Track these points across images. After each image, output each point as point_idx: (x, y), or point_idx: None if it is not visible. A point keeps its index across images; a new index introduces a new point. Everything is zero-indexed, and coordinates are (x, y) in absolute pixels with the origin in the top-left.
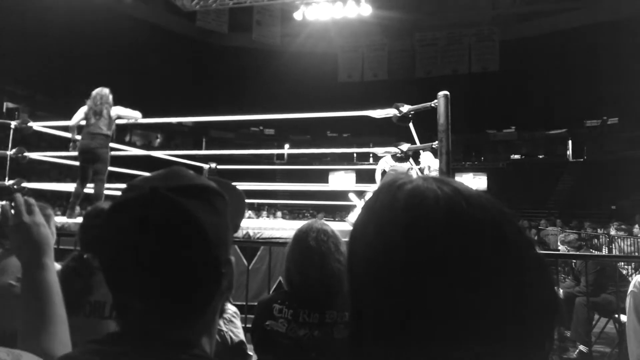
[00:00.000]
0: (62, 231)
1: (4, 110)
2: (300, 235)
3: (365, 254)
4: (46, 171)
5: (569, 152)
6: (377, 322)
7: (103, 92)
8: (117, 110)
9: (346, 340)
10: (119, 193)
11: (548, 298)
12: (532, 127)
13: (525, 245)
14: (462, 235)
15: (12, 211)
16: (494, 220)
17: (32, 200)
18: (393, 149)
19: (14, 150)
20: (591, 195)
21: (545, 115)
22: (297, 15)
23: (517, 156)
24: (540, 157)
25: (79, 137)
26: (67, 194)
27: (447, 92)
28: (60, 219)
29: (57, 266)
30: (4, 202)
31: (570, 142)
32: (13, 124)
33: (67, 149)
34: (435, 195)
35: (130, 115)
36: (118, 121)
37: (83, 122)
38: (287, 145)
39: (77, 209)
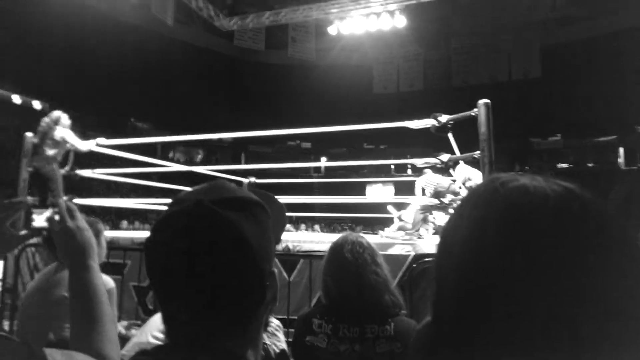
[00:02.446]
0: (111, 245)
1: None
2: (336, 248)
3: (454, 251)
4: (95, 188)
5: (621, 159)
6: (458, 325)
7: (52, 115)
8: (63, 133)
9: (423, 344)
10: (164, 207)
11: None
12: (579, 134)
13: None
14: (573, 240)
15: (57, 217)
16: (611, 231)
17: (73, 206)
18: (432, 160)
19: (66, 168)
20: None
21: (593, 122)
22: (332, 30)
23: (564, 165)
24: (589, 165)
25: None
26: (116, 210)
27: (487, 100)
28: (109, 233)
29: (108, 279)
30: (50, 211)
31: (621, 149)
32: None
33: (114, 166)
34: (544, 194)
35: (73, 142)
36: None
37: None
38: (324, 158)
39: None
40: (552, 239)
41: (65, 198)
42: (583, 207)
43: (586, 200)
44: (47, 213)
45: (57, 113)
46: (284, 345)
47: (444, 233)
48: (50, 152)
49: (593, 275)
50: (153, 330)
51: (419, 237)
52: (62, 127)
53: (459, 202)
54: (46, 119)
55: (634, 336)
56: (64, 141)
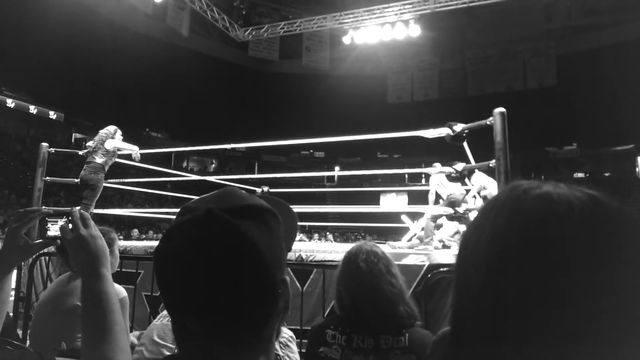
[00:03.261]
0: (124, 254)
1: (73, 140)
2: (350, 257)
3: (476, 261)
4: (109, 197)
5: (639, 169)
6: (478, 337)
7: (110, 129)
8: (115, 143)
9: (440, 356)
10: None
11: None
12: (596, 144)
13: None
14: (600, 250)
15: (70, 226)
16: (638, 239)
17: (87, 215)
18: (447, 169)
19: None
20: None
21: (610, 131)
22: (346, 40)
23: (580, 174)
24: (606, 174)
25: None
26: (129, 219)
27: (503, 109)
28: (123, 243)
29: (121, 289)
30: (63, 220)
31: (639, 158)
32: (81, 153)
33: (127, 176)
34: (568, 202)
35: (129, 148)
36: (124, 151)
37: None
38: (337, 168)
39: None
40: (578, 248)
41: (79, 207)
42: (609, 215)
43: (612, 208)
44: (61, 222)
45: (113, 127)
46: (297, 357)
47: (465, 242)
48: (100, 160)
49: (624, 285)
50: (147, 344)
51: (435, 247)
52: (115, 139)
53: (475, 211)
54: (104, 131)
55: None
56: (115, 151)
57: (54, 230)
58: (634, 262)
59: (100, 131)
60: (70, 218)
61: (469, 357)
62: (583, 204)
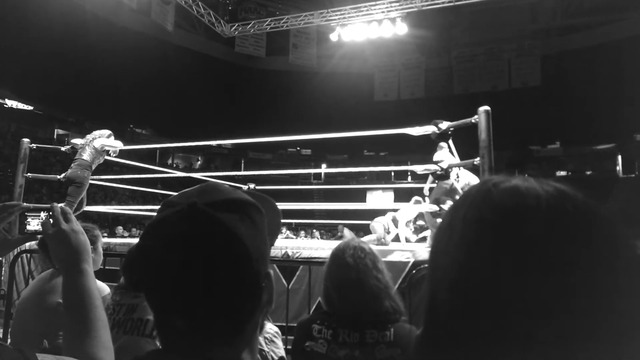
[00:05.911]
0: (108, 252)
1: (55, 136)
2: (337, 253)
3: (449, 253)
4: (92, 194)
5: (619, 167)
6: (453, 324)
7: (103, 131)
8: (103, 142)
9: (418, 340)
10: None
11: None
12: (578, 142)
13: (637, 267)
14: (566, 239)
15: (51, 221)
16: (604, 231)
17: (68, 210)
18: (433, 167)
19: (63, 174)
20: None
21: (592, 130)
22: (333, 37)
23: (563, 173)
24: (588, 173)
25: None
26: (113, 216)
27: (488, 108)
28: (106, 240)
29: (104, 286)
30: (45, 215)
31: (619, 157)
32: (63, 149)
33: (111, 173)
34: (536, 195)
35: (114, 144)
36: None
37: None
38: (324, 165)
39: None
40: (545, 238)
41: (62, 204)
42: (575, 207)
43: (578, 200)
44: (43, 215)
45: (108, 132)
46: (282, 352)
47: (437, 237)
48: (88, 158)
49: (592, 278)
50: None
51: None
52: (103, 138)
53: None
54: (98, 132)
55: (626, 332)
56: (104, 151)
57: (33, 224)
58: (600, 254)
59: (94, 131)
60: (51, 213)
61: (442, 353)
62: (550, 196)
